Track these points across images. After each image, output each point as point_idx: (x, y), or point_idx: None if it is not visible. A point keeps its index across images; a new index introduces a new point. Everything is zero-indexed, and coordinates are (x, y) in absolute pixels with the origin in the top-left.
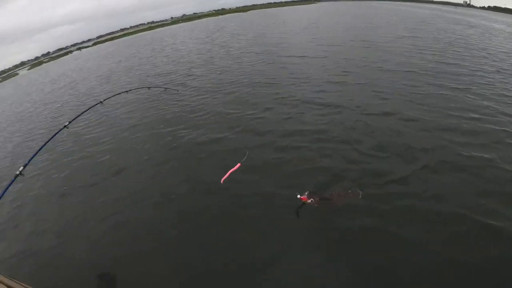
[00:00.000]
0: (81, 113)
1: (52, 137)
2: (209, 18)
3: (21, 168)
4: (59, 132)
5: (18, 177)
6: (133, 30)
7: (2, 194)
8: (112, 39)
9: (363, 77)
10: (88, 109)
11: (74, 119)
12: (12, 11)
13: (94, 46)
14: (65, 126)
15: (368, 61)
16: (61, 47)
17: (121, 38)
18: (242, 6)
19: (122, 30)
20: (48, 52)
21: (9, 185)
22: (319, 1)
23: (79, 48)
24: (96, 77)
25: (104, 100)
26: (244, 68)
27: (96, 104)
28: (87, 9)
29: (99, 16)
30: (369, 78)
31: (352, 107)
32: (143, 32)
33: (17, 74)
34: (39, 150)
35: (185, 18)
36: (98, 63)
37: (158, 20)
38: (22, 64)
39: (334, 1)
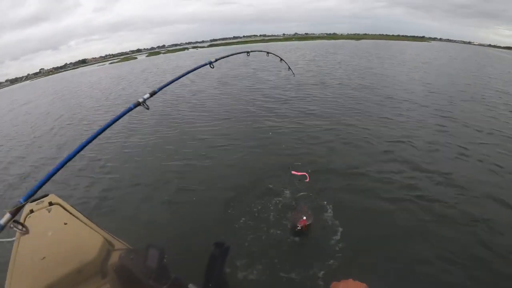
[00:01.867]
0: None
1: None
2: (320, 41)
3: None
4: None
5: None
6: (245, 40)
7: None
8: (225, 44)
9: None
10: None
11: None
12: (138, 1)
13: (209, 48)
14: None
15: (486, 127)
16: (176, 43)
17: (234, 46)
18: (354, 34)
19: (235, 37)
20: (164, 45)
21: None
22: (431, 40)
23: (195, 47)
24: (213, 81)
25: None
26: (342, 103)
27: None
28: (205, 13)
29: (215, 21)
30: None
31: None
32: (254, 44)
33: (135, 58)
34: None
35: (297, 37)
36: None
37: (271, 34)
38: (139, 50)
39: (447, 42)
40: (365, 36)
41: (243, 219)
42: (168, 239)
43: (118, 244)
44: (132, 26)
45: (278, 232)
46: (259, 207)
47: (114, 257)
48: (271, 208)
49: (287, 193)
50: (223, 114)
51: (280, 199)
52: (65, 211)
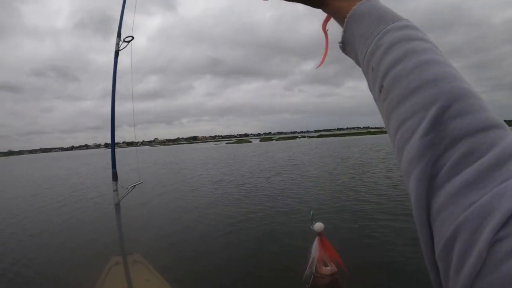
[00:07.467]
0: None
1: None
2: None
3: None
4: None
5: None
6: (350, 132)
7: None
8: (333, 135)
9: None
10: None
11: None
12: (246, 90)
13: (319, 138)
14: None
15: None
16: (281, 131)
17: (341, 137)
18: None
19: (338, 129)
20: (270, 132)
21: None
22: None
23: (304, 136)
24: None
25: None
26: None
27: None
28: (308, 104)
29: (318, 112)
30: None
31: None
32: (359, 136)
33: (250, 141)
34: None
35: None
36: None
37: (374, 126)
38: (246, 135)
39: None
40: None
41: None
42: None
43: None
44: (239, 112)
45: None
46: None
47: None
48: None
49: None
50: None
51: None
52: (147, 270)
